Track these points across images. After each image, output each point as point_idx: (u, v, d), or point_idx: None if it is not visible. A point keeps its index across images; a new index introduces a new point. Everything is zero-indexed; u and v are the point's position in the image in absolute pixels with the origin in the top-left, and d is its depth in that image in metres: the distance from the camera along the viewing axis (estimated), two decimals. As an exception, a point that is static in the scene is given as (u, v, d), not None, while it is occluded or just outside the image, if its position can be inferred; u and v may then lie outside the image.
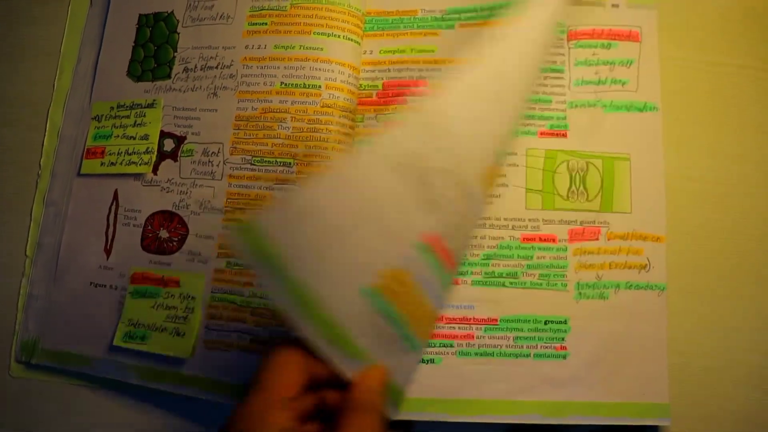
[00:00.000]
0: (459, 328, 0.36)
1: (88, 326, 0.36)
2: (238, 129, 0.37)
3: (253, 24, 0.38)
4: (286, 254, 0.28)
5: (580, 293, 0.36)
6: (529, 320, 0.36)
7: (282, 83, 0.37)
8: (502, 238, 0.37)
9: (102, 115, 0.39)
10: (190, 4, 0.39)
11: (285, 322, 0.28)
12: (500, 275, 0.36)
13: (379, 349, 0.29)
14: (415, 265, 0.29)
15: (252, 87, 0.37)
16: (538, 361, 0.35)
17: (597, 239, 0.37)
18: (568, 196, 0.37)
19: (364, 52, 0.39)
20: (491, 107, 0.31)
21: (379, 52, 0.39)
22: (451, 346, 0.36)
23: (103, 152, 0.38)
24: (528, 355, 0.36)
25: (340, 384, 0.28)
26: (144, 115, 0.38)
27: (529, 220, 0.37)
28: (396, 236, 0.29)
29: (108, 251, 0.37)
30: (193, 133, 0.38)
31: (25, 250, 0.38)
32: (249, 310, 0.35)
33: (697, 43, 0.40)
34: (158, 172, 0.37)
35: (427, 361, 0.35)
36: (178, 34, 0.39)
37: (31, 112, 0.40)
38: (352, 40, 0.38)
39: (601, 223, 0.37)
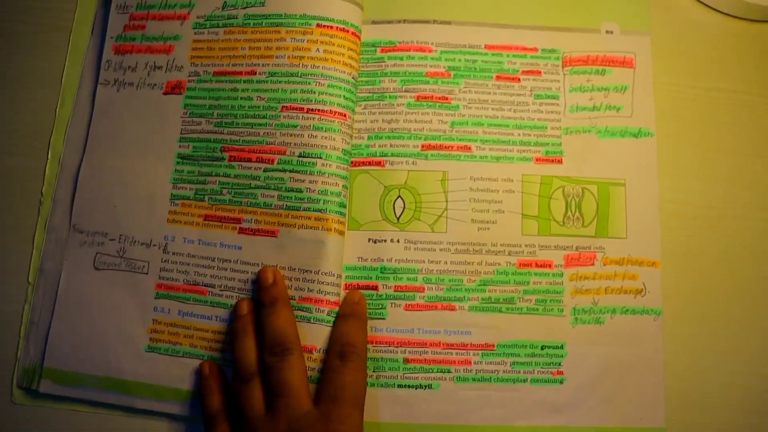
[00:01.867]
0: (456, 353, 0.36)
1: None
2: None
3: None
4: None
5: (576, 318, 0.37)
6: (525, 345, 0.36)
7: None
8: (499, 264, 0.37)
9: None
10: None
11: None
12: (497, 301, 0.37)
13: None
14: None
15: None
16: (535, 386, 0.36)
17: (593, 265, 0.37)
18: (563, 222, 0.38)
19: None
20: None
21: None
22: (449, 371, 0.36)
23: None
24: (525, 381, 0.36)
25: None
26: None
27: (525, 245, 0.37)
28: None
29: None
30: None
31: (27, 277, 0.38)
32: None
33: (689, 68, 0.41)
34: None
35: (425, 386, 0.36)
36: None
37: (32, 140, 0.40)
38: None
39: (597, 248, 0.37)
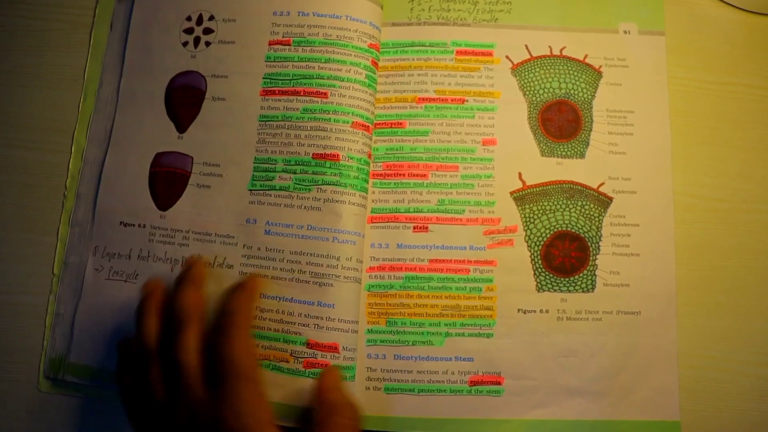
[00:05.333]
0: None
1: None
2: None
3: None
4: None
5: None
6: None
7: None
8: None
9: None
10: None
11: None
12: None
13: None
14: None
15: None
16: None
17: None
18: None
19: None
20: None
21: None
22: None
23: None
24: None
25: None
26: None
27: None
28: None
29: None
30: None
31: (53, 269, 0.39)
32: None
33: (703, 62, 0.41)
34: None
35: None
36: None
37: (56, 135, 0.41)
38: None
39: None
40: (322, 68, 0.38)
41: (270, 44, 0.39)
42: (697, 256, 0.39)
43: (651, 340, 0.37)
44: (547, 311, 0.37)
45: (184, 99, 0.39)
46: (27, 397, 0.38)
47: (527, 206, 0.38)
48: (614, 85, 0.40)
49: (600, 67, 0.40)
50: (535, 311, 0.37)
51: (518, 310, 0.37)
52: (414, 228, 0.38)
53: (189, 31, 0.40)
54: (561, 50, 0.41)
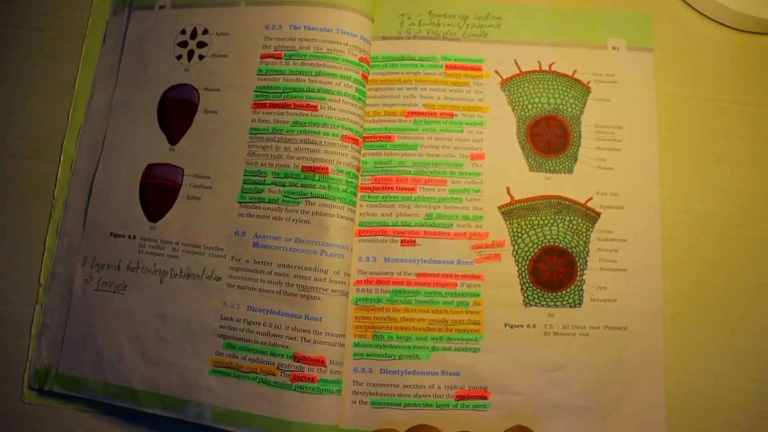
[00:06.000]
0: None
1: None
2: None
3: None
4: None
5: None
6: None
7: None
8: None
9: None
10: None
11: None
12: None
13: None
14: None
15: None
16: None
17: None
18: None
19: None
20: None
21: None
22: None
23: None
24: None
25: None
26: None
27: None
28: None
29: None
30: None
31: (39, 279, 0.39)
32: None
33: (691, 79, 0.42)
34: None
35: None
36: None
37: (45, 144, 0.41)
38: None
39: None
40: (312, 81, 0.38)
41: (262, 57, 0.39)
42: (685, 271, 0.39)
43: (638, 356, 0.37)
44: (534, 326, 0.37)
45: (177, 112, 0.39)
46: (10, 408, 0.37)
47: (515, 221, 0.38)
48: (603, 101, 0.40)
49: (588, 82, 0.41)
50: (522, 326, 0.37)
51: (505, 325, 0.37)
52: (402, 242, 0.38)
53: (183, 44, 0.41)
54: (550, 65, 0.41)
